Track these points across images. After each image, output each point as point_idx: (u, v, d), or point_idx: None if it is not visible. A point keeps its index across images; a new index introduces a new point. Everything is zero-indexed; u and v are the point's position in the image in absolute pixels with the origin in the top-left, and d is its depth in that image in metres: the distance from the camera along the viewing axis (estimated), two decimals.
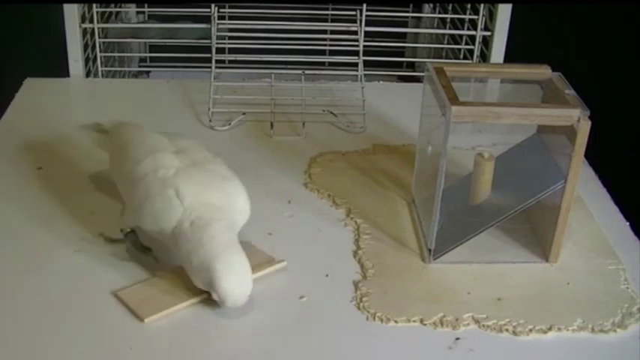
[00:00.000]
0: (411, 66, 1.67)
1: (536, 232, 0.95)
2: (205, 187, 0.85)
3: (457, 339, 0.81)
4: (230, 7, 1.50)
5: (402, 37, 1.64)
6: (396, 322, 0.83)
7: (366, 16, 1.32)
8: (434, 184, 0.88)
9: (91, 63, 1.37)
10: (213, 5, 1.30)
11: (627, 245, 0.96)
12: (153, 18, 1.62)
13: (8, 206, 0.98)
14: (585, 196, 1.04)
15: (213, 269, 0.79)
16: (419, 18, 1.67)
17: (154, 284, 0.84)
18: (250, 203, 0.88)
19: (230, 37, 1.40)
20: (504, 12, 1.35)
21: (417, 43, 1.67)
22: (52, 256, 0.89)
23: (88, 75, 1.36)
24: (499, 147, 1.01)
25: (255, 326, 0.81)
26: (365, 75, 1.30)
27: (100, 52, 1.39)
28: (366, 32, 1.33)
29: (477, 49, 1.39)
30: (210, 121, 1.19)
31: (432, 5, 1.62)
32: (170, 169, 0.86)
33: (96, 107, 1.30)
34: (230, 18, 1.48)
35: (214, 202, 0.84)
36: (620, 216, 1.02)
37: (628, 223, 1.00)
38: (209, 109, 1.21)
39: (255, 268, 0.84)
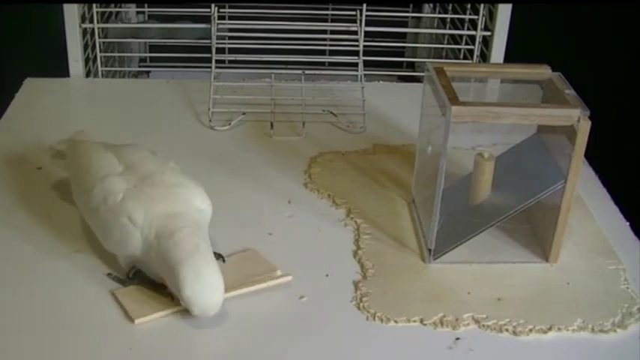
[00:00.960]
0: (411, 66, 1.67)
1: (536, 232, 0.95)
2: (157, 201, 0.83)
3: (457, 339, 0.81)
4: (230, 7, 1.50)
5: (402, 37, 1.64)
6: (396, 322, 0.82)
7: (366, 16, 1.32)
8: (434, 184, 0.88)
9: (91, 63, 1.37)
10: (213, 5, 1.30)
11: (627, 245, 0.96)
12: (153, 18, 1.62)
13: (8, 206, 0.98)
14: (585, 196, 1.04)
15: (177, 276, 0.77)
16: (419, 18, 1.67)
17: (154, 287, 0.84)
18: (208, 200, 0.87)
19: (230, 37, 1.40)
20: (504, 12, 1.35)
21: (417, 43, 1.67)
22: (51, 256, 0.89)
23: (88, 75, 1.36)
24: (499, 147, 1.01)
25: (255, 326, 0.81)
26: (365, 75, 1.30)
27: (100, 52, 1.39)
28: (366, 32, 1.33)
29: (477, 49, 1.39)
30: (210, 121, 1.19)
31: (432, 5, 1.62)
32: (118, 195, 0.84)
33: (96, 107, 1.30)
34: (230, 18, 1.48)
35: (170, 212, 0.83)
36: (620, 216, 1.02)
37: (628, 223, 1.00)
38: (209, 109, 1.21)
39: (255, 278, 0.84)
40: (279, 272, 0.87)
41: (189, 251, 0.79)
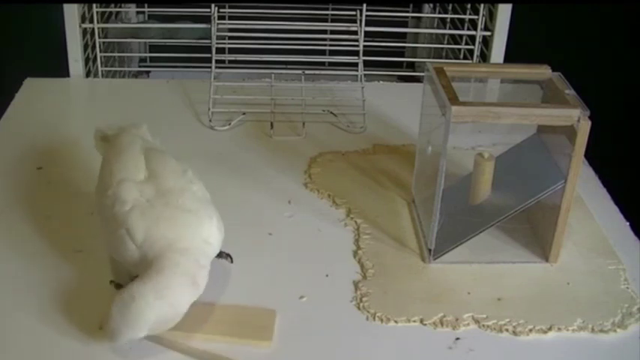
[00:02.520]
0: (411, 66, 1.67)
1: (536, 232, 0.95)
2: (162, 223, 0.80)
3: (457, 339, 0.81)
4: (230, 7, 1.50)
5: (402, 37, 1.64)
6: (396, 322, 0.83)
7: (366, 16, 1.32)
8: (434, 184, 0.88)
9: (91, 63, 1.37)
10: (213, 5, 1.30)
11: (627, 245, 0.96)
12: (153, 18, 1.62)
13: (8, 206, 0.98)
14: (585, 196, 1.04)
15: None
16: (419, 18, 1.67)
17: None
18: (218, 234, 0.83)
19: (230, 37, 1.40)
20: (504, 12, 1.35)
21: (417, 43, 1.67)
22: (52, 256, 0.89)
23: (88, 75, 1.36)
24: (499, 147, 1.01)
25: None
26: (365, 75, 1.30)
27: (100, 52, 1.39)
28: (366, 32, 1.33)
29: (476, 49, 1.39)
30: (210, 121, 1.19)
31: (432, 5, 1.62)
32: (126, 205, 0.82)
33: (96, 107, 1.30)
34: (230, 18, 1.48)
35: (173, 237, 0.79)
36: (620, 216, 1.02)
37: (628, 223, 1.00)
38: (209, 109, 1.21)
39: (233, 332, 0.80)
40: (265, 343, 0.79)
41: (154, 286, 0.75)
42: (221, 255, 0.87)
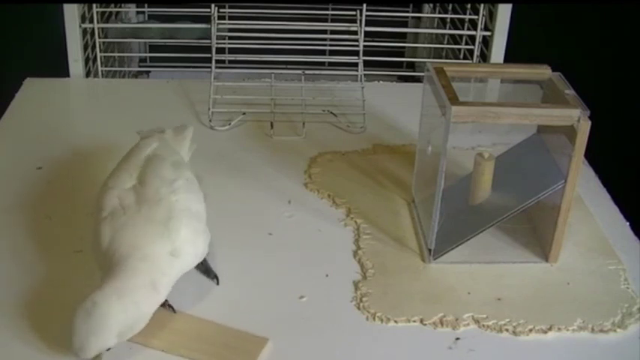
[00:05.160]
0: (411, 66, 1.67)
1: (536, 232, 0.95)
2: (127, 231, 0.79)
3: (457, 339, 0.81)
4: (230, 7, 1.50)
5: (402, 37, 1.64)
6: (396, 322, 0.83)
7: (366, 16, 1.32)
8: (434, 184, 0.88)
9: (91, 63, 1.37)
10: (213, 5, 1.30)
11: (627, 245, 0.96)
12: (153, 18, 1.62)
13: (8, 206, 0.98)
14: (585, 196, 1.04)
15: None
16: (419, 18, 1.67)
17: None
18: (193, 248, 0.81)
19: (230, 37, 1.40)
20: (504, 12, 1.35)
21: (417, 43, 1.67)
22: (52, 256, 0.89)
23: (88, 75, 1.36)
24: (499, 147, 1.01)
25: (255, 326, 0.81)
26: (365, 75, 1.30)
27: (100, 52, 1.39)
28: (366, 32, 1.33)
29: (476, 49, 1.39)
30: (210, 121, 1.19)
31: (432, 5, 1.62)
32: (103, 212, 0.82)
33: (96, 107, 1.30)
34: (230, 18, 1.48)
35: (134, 245, 0.78)
36: (620, 216, 1.02)
37: (628, 223, 1.00)
38: (209, 109, 1.21)
39: (216, 353, 0.77)
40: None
41: (115, 289, 0.74)
42: (208, 274, 0.86)
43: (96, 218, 0.83)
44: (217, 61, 1.28)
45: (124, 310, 0.73)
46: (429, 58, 1.63)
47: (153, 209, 0.82)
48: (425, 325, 0.82)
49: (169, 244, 0.79)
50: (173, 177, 0.86)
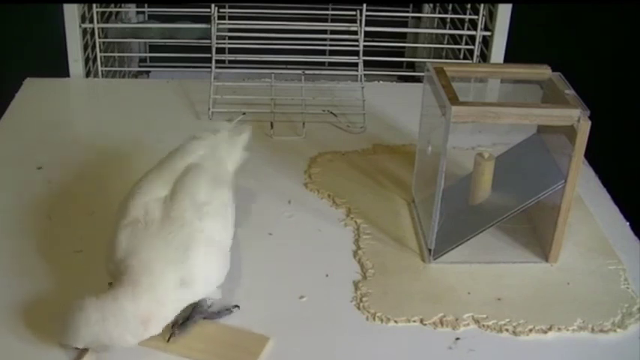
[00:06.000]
0: (411, 66, 1.67)
1: (536, 232, 0.95)
2: (142, 248, 0.77)
3: (457, 339, 0.81)
4: (230, 7, 1.50)
5: (402, 37, 1.64)
6: (396, 322, 0.83)
7: (366, 16, 1.32)
8: (434, 184, 0.88)
9: (91, 63, 1.37)
10: (213, 5, 1.30)
11: (627, 245, 0.96)
12: (153, 18, 1.62)
13: (8, 206, 0.98)
14: (585, 196, 1.04)
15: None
16: (419, 18, 1.67)
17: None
18: (204, 284, 0.79)
19: (230, 37, 1.40)
20: (504, 12, 1.35)
21: (417, 43, 1.67)
22: (52, 256, 0.89)
23: (88, 75, 1.36)
24: (499, 147, 1.01)
25: (256, 326, 0.81)
26: (365, 75, 1.30)
27: (100, 52, 1.39)
28: (366, 32, 1.33)
29: (476, 49, 1.39)
30: (210, 121, 1.19)
31: (432, 5, 1.62)
32: (125, 219, 0.80)
33: (96, 107, 1.30)
34: (230, 18, 1.48)
35: (144, 265, 0.76)
36: (620, 216, 1.02)
37: (628, 223, 1.00)
38: (209, 109, 1.21)
39: (217, 352, 0.77)
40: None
41: (103, 308, 0.74)
42: (219, 314, 0.82)
43: (117, 221, 0.80)
44: (217, 61, 1.28)
45: (97, 332, 0.73)
46: (429, 58, 1.63)
47: (174, 233, 0.78)
48: (425, 325, 0.82)
49: (181, 272, 0.77)
50: (205, 199, 0.82)
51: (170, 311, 0.77)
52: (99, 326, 0.73)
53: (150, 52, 1.65)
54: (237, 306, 0.83)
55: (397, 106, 1.26)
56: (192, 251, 0.78)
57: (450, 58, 1.48)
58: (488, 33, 1.37)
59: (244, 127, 0.97)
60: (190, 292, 0.78)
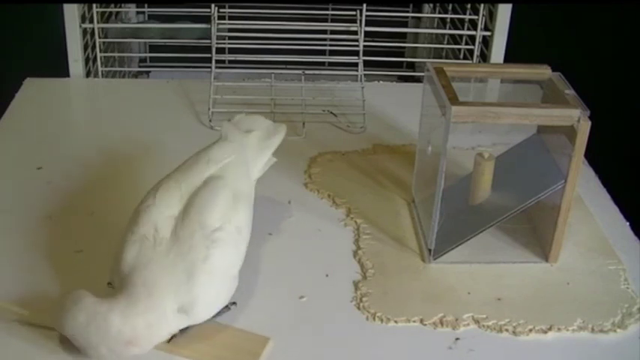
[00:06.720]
0: (411, 66, 1.67)
1: (536, 232, 0.95)
2: (144, 268, 0.76)
3: (457, 339, 0.81)
4: (230, 7, 1.50)
5: (402, 37, 1.64)
6: (396, 322, 0.83)
7: (366, 16, 1.32)
8: (434, 184, 0.88)
9: (91, 63, 1.38)
10: (213, 5, 1.30)
11: (627, 245, 0.96)
12: (153, 18, 1.62)
13: (8, 206, 0.98)
14: (585, 196, 1.04)
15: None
16: (419, 18, 1.67)
17: None
18: (205, 311, 0.77)
19: (230, 37, 1.40)
20: (504, 12, 1.35)
21: (417, 43, 1.67)
22: (52, 256, 0.89)
23: (88, 75, 1.36)
24: (499, 147, 1.01)
25: (256, 326, 0.81)
26: (365, 75, 1.30)
27: (100, 52, 1.39)
28: (366, 32, 1.33)
29: (476, 49, 1.39)
30: (210, 121, 1.19)
31: (432, 5, 1.62)
32: (136, 234, 0.78)
33: (96, 107, 1.30)
34: (230, 18, 1.48)
35: (145, 286, 0.75)
36: (620, 216, 1.02)
37: (628, 223, 1.00)
38: (209, 109, 1.21)
39: (218, 353, 0.77)
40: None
41: (94, 317, 0.73)
42: (219, 312, 0.80)
43: (126, 234, 0.79)
44: (217, 61, 1.28)
45: (78, 337, 0.74)
46: (429, 58, 1.63)
47: (181, 256, 0.76)
48: (425, 325, 0.82)
49: (182, 299, 0.75)
50: (218, 224, 0.79)
51: (163, 336, 0.76)
52: (82, 328, 0.73)
53: (150, 52, 1.65)
54: (234, 303, 0.82)
55: (397, 106, 1.27)
56: (197, 280, 0.76)
57: (450, 58, 1.48)
58: (488, 33, 1.37)
59: (278, 127, 0.94)
60: (188, 319, 0.77)
